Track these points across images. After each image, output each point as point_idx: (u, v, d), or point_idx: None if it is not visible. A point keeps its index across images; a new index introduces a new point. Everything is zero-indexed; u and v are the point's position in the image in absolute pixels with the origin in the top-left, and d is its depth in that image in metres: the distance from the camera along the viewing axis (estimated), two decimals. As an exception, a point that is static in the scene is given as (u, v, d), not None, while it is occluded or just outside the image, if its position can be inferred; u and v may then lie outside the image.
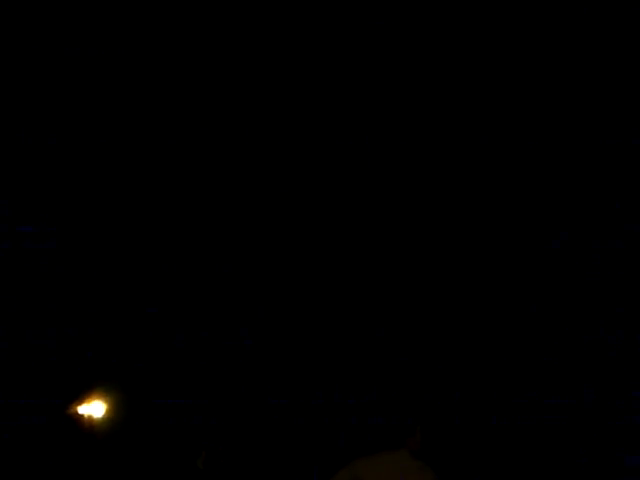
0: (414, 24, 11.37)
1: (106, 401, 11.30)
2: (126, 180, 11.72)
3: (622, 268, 11.00)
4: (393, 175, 11.53)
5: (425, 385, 10.71)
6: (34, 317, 11.50)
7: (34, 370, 11.35)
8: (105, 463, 11.03)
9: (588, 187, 11.32)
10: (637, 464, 10.11)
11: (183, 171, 11.65)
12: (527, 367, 10.75)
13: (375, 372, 10.92)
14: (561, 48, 11.30)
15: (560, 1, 11.25)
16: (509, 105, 11.46)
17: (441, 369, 10.83)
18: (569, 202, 11.33)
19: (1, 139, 11.74)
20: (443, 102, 11.48)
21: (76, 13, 11.65)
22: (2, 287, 11.59)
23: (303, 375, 10.96)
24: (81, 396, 11.30)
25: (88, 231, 11.68)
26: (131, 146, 11.72)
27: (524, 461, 10.49)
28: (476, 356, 10.88)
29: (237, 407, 11.06)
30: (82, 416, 11.21)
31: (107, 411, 11.26)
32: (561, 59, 11.31)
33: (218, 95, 11.67)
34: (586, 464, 10.19)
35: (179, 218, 11.60)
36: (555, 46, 11.31)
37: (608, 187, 11.34)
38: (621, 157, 11.23)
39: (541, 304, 11.06)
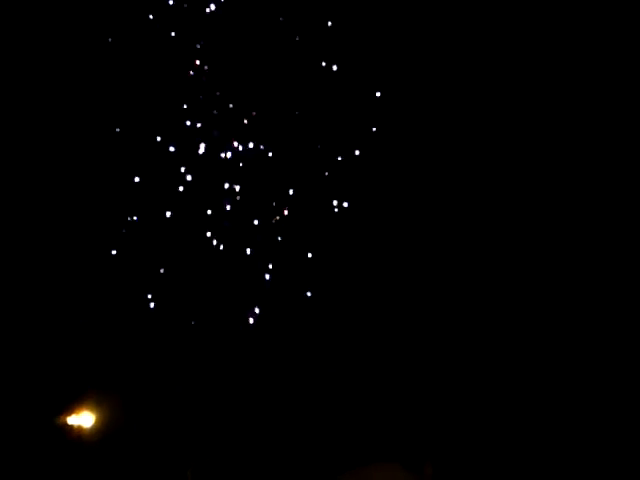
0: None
1: (95, 412, 11.22)
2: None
3: None
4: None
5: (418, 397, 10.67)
6: (24, 326, 11.44)
7: (24, 379, 11.28)
8: (95, 474, 10.96)
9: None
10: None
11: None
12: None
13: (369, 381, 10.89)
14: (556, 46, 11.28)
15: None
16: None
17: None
18: None
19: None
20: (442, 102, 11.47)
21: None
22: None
23: (294, 384, 10.93)
24: (70, 407, 11.22)
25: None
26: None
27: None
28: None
29: (226, 418, 11.02)
30: (71, 427, 11.13)
31: (96, 422, 11.18)
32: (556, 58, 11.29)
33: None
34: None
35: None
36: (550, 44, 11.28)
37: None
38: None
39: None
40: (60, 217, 11.64)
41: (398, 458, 8.33)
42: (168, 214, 11.42)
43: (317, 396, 10.69)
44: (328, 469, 9.54)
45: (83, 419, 11.27)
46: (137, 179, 11.53)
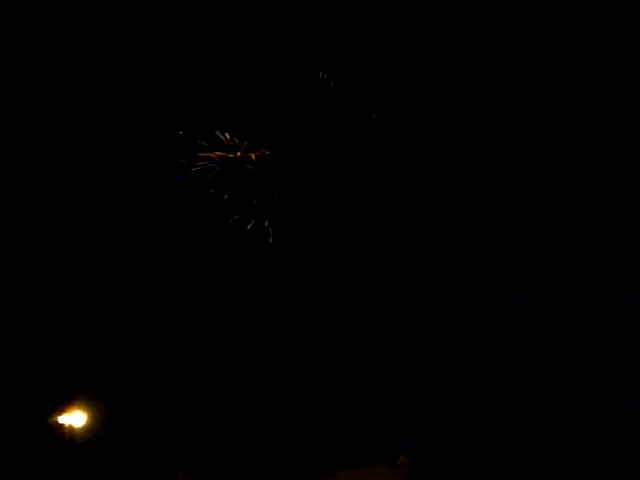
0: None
1: (87, 411, 11.37)
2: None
3: None
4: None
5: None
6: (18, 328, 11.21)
7: (16, 380, 11.06)
8: (86, 473, 11.14)
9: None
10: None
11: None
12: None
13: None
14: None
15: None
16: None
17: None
18: None
19: None
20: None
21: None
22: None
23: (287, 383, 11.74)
24: (62, 406, 11.24)
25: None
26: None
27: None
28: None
29: (219, 420, 11.72)
30: (63, 426, 11.18)
31: (88, 421, 11.34)
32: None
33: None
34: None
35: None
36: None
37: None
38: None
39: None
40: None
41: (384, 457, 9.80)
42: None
43: (309, 400, 11.52)
44: (319, 469, 10.57)
45: (74, 418, 11.27)
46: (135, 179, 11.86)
